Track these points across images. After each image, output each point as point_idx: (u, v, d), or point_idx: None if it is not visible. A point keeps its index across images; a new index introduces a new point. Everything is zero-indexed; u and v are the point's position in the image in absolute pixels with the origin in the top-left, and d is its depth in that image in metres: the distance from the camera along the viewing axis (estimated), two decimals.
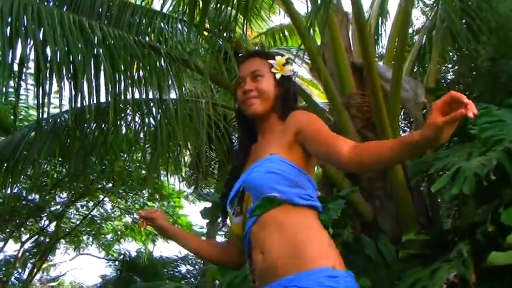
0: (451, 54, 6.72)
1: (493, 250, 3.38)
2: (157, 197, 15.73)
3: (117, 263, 15.96)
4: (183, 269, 16.01)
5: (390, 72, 5.57)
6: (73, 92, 4.54)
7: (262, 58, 2.23)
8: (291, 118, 2.09)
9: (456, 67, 7.31)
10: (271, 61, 2.19)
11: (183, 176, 11.98)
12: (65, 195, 14.38)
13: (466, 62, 6.44)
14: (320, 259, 1.80)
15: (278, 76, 2.17)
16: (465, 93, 6.43)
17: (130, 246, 28.58)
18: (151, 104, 5.50)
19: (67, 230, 16.27)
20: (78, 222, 16.13)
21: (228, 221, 2.14)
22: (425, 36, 6.77)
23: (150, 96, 5.18)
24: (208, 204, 5.47)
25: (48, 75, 4.36)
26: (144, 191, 15.26)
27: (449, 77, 7.53)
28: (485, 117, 4.22)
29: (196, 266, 15.91)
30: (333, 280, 1.75)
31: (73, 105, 4.63)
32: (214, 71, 5.64)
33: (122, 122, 6.11)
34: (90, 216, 16.08)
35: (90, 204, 15.85)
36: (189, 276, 15.69)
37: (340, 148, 1.82)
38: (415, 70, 7.22)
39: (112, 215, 16.89)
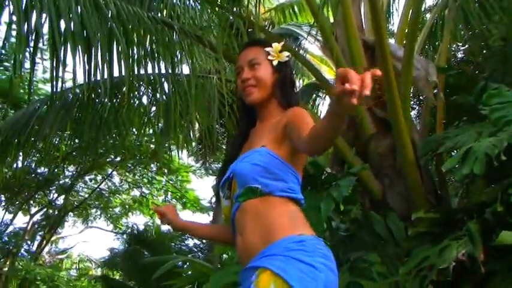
0: (462, 33, 6.68)
1: (502, 229, 3.44)
2: (166, 171, 15.81)
3: (125, 236, 16.07)
4: (191, 243, 16.08)
5: (401, 51, 5.58)
6: (87, 67, 4.56)
7: (259, 46, 2.28)
8: (286, 114, 2.15)
9: (467, 46, 7.30)
10: (267, 49, 2.25)
11: (191, 150, 12.03)
12: (73, 168, 14.46)
13: (477, 41, 6.42)
14: (286, 230, 1.93)
15: (275, 63, 2.23)
16: (475, 72, 6.48)
17: (138, 220, 28.82)
18: (163, 79, 5.54)
19: (75, 203, 16.41)
20: (86, 196, 16.26)
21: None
22: (437, 15, 6.73)
23: (163, 71, 5.21)
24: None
25: (63, 49, 4.37)
26: (152, 165, 15.34)
27: (460, 56, 7.52)
28: (497, 98, 4.25)
29: (204, 241, 16.01)
30: (300, 244, 1.87)
31: (87, 79, 4.66)
32: (225, 46, 5.64)
33: (134, 96, 6.15)
34: (98, 189, 16.19)
35: (99, 177, 15.96)
36: (196, 250, 15.78)
37: (304, 133, 1.90)
38: (425, 48, 7.20)
39: (120, 188, 17.03)
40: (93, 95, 5.81)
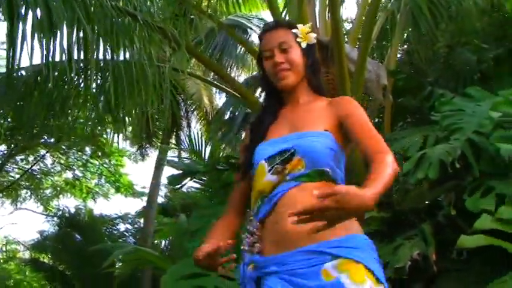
0: (410, 37, 6.92)
1: (452, 231, 3.66)
2: (100, 154, 15.57)
3: (55, 219, 15.78)
4: (122, 227, 16.02)
5: (355, 52, 5.74)
6: (45, 52, 4.49)
7: (285, 28, 2.21)
8: (342, 102, 2.14)
9: (405, 46, 7.55)
10: (294, 30, 2.19)
11: (127, 135, 11.91)
12: (4, 148, 14.04)
13: (424, 46, 6.67)
14: (354, 225, 1.90)
15: (304, 45, 2.18)
16: (416, 75, 6.73)
17: (70, 203, 28.17)
18: (102, 63, 5.50)
19: (5, 184, 15.93)
20: (17, 176, 15.82)
21: (255, 175, 2.05)
22: (388, 17, 6.93)
23: (103, 55, 5.17)
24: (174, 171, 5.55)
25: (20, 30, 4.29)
26: (87, 148, 15.09)
27: (402, 57, 7.75)
28: (448, 105, 4.45)
29: (136, 225, 15.96)
30: (371, 244, 1.92)
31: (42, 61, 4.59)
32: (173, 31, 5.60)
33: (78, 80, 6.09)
34: (29, 170, 15.79)
35: (30, 158, 15.55)
36: (127, 234, 15.70)
37: (367, 154, 1.94)
38: (374, 49, 7.40)
39: (52, 170, 16.64)
40: (39, 78, 5.73)
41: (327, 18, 6.31)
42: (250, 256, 1.95)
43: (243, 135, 2.35)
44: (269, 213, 1.94)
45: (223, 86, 6.91)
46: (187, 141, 9.23)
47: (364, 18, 6.11)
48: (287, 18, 6.36)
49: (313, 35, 2.20)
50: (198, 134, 9.98)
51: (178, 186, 5.75)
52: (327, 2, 6.29)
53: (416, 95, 5.74)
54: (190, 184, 7.49)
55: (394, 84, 5.98)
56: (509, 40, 6.31)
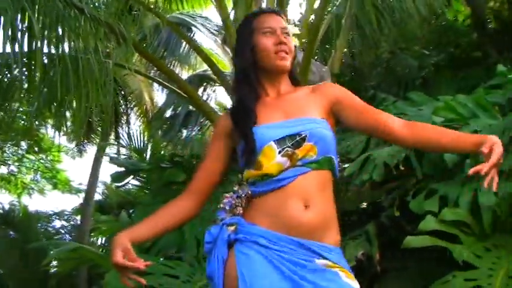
0: (355, 40, 7.04)
1: (395, 231, 3.76)
2: (36, 149, 15.18)
3: None
4: (58, 224, 15.66)
5: (300, 54, 5.81)
6: None
7: (284, 19, 2.20)
8: (326, 87, 2.18)
9: (354, 52, 7.68)
10: (289, 26, 2.22)
11: (65, 130, 11.64)
12: None
13: (368, 50, 6.81)
14: (339, 242, 1.97)
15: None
16: (359, 78, 6.86)
17: (4, 199, 27.29)
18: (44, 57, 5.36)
19: None
20: None
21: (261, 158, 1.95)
22: (333, 21, 7.03)
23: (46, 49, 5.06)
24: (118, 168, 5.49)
25: None
26: (23, 143, 14.68)
27: (345, 60, 7.87)
28: (393, 109, 4.55)
29: (72, 222, 15.63)
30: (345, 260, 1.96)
31: None
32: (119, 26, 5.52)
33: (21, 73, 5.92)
34: None
35: None
36: (63, 231, 15.36)
37: (391, 123, 2.04)
38: (317, 51, 7.50)
39: None
40: None
41: None
42: (231, 217, 1.94)
43: (218, 121, 2.25)
44: (270, 192, 1.92)
45: (167, 84, 6.86)
46: (127, 138, 9.14)
47: (310, 20, 6.20)
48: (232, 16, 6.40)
49: (296, 40, 2.24)
50: (138, 131, 9.90)
51: (122, 183, 5.68)
52: (274, 3, 6.36)
53: (359, 98, 5.83)
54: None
55: None
56: (450, 47, 6.51)
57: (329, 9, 7.20)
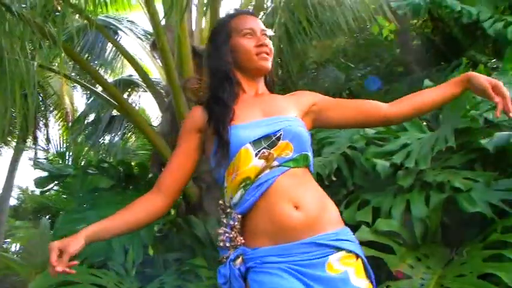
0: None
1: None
2: None
3: None
4: None
5: None
6: None
7: (261, 22, 2.20)
8: (303, 93, 2.22)
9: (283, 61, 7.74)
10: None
11: None
12: None
13: (297, 60, 6.87)
14: (341, 221, 1.97)
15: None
16: (287, 89, 6.93)
17: None
18: None
19: None
20: None
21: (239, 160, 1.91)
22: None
23: None
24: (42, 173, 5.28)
25: None
26: None
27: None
28: None
29: None
30: (354, 236, 1.96)
31: None
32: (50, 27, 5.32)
33: None
34: None
35: None
36: None
37: (378, 106, 2.14)
38: None
39: None
40: None
41: (202, 25, 6.34)
42: (235, 251, 1.87)
43: (191, 114, 2.14)
44: (255, 203, 1.88)
45: (93, 88, 6.67)
46: (45, 141, 8.87)
47: None
48: (163, 21, 6.30)
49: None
50: (56, 135, 9.61)
51: (46, 188, 5.46)
52: (204, 9, 6.33)
53: None
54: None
55: None
56: (375, 61, 6.67)
57: (260, 17, 7.23)
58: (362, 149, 3.88)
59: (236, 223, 1.88)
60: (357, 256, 1.87)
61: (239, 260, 1.85)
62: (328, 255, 1.80)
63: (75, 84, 11.38)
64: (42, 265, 4.41)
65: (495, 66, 5.38)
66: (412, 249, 3.04)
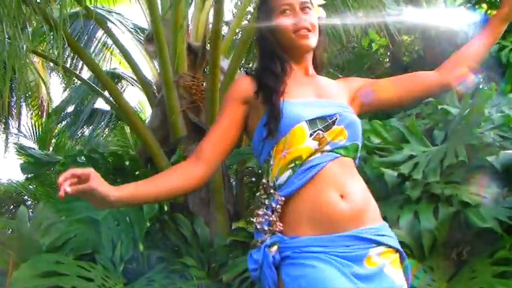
0: None
1: None
2: None
3: None
4: None
5: (225, 62, 5.75)
6: None
7: None
8: (352, 80, 2.10)
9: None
10: None
11: None
12: None
13: None
14: (381, 217, 1.89)
15: (317, 16, 2.01)
16: None
17: None
18: None
19: None
20: None
21: (287, 136, 1.78)
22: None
23: None
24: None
25: None
26: None
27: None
28: None
29: None
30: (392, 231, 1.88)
31: None
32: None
33: None
34: None
35: None
36: None
37: (430, 74, 2.04)
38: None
39: None
40: None
41: (202, 24, 6.29)
42: (271, 237, 1.74)
43: (237, 84, 1.98)
44: (301, 188, 1.76)
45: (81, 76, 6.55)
46: (17, 129, 8.68)
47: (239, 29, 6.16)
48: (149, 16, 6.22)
49: (322, 10, 2.05)
50: (31, 123, 9.41)
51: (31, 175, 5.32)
52: (206, 8, 6.28)
53: None
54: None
55: None
56: (368, 73, 6.70)
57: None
58: (365, 158, 3.86)
59: (278, 206, 1.75)
60: (396, 251, 1.81)
61: (275, 248, 1.72)
62: (368, 249, 1.73)
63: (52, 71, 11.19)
64: (22, 255, 4.25)
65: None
66: (419, 260, 3.04)
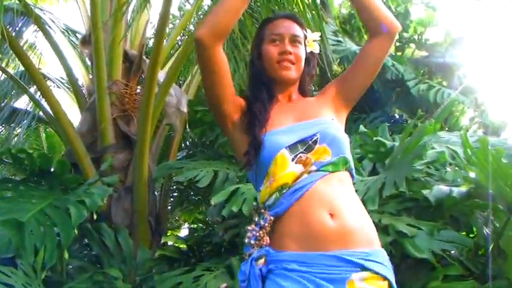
0: None
1: None
2: None
3: None
4: None
5: (161, 74, 5.68)
6: None
7: (299, 25, 2.11)
8: (325, 89, 2.12)
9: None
10: (307, 33, 2.12)
11: None
12: None
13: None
14: (378, 241, 1.86)
15: (308, 50, 2.11)
16: None
17: None
18: None
19: None
20: None
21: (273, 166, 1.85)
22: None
23: None
24: None
25: None
26: None
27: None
28: None
29: None
30: (389, 259, 1.85)
31: None
32: None
33: None
34: None
35: None
36: None
37: (365, 43, 2.10)
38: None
39: None
40: None
41: (139, 32, 6.20)
42: (259, 250, 1.79)
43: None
44: (290, 207, 1.80)
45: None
46: None
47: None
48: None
49: (317, 45, 2.14)
50: None
51: None
52: (144, 17, 6.21)
53: (213, 129, 5.84)
54: None
55: (192, 115, 5.95)
56: None
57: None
58: None
59: (266, 224, 1.81)
60: (384, 279, 1.79)
61: (262, 261, 1.77)
62: (351, 272, 1.72)
63: None
64: None
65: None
66: None
